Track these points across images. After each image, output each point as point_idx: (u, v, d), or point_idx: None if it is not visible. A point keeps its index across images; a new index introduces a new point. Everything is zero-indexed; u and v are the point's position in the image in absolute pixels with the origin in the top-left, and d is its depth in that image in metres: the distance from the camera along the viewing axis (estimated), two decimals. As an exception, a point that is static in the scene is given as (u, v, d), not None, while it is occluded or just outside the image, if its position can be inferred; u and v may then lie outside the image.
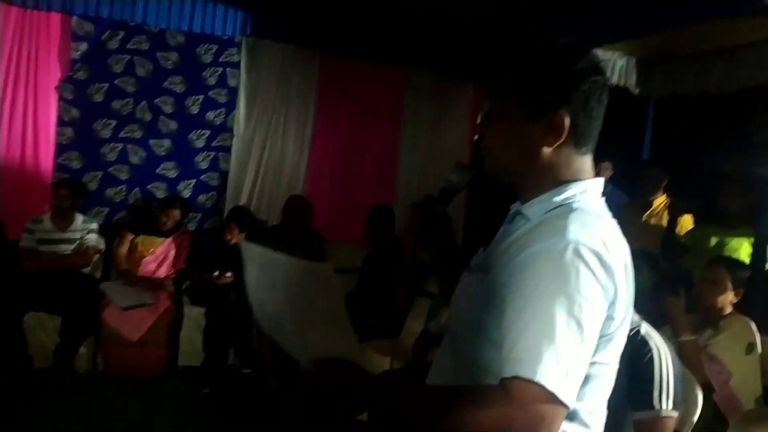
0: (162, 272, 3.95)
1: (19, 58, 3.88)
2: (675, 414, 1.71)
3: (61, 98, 4.04)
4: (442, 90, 4.85)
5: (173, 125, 4.31)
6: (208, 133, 4.39)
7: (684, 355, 2.18)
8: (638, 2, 3.21)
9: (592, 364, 0.92)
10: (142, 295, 3.66)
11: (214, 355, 3.68)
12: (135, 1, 4.00)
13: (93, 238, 3.86)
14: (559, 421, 0.84)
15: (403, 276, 2.49)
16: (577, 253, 0.86)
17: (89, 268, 3.89)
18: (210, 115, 4.37)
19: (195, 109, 4.34)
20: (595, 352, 0.91)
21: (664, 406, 1.68)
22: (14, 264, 3.62)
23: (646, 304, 2.28)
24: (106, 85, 4.12)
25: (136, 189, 4.29)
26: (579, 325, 0.84)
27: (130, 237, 3.99)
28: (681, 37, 3.52)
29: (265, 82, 4.43)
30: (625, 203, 4.11)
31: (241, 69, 4.36)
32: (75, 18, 3.97)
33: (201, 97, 4.33)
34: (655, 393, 1.69)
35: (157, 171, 4.32)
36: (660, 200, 3.66)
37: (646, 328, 1.79)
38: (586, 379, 0.92)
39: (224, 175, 4.45)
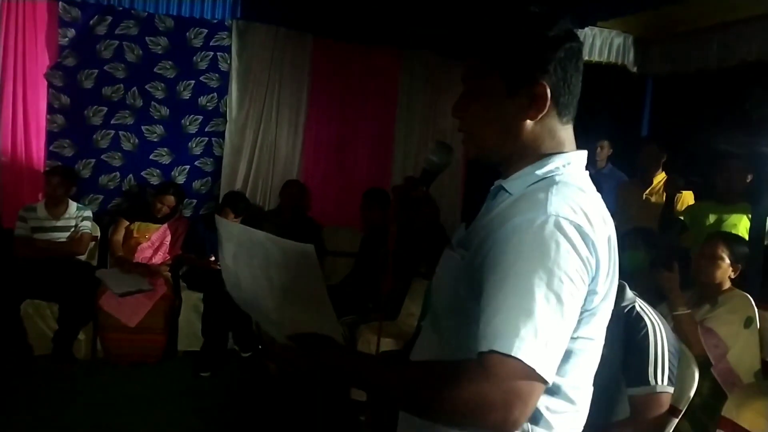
0: (158, 258, 3.94)
1: (6, 45, 3.84)
2: (670, 390, 1.70)
3: (50, 86, 4.00)
4: (437, 71, 4.80)
5: (165, 111, 4.27)
6: (200, 118, 4.35)
7: (680, 328, 2.18)
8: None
9: (575, 339, 0.91)
10: (139, 282, 3.66)
11: (212, 340, 3.69)
12: (122, -16, 3.95)
13: (87, 226, 3.85)
14: (536, 396, 0.82)
15: (387, 261, 2.47)
16: (557, 226, 0.84)
17: (85, 256, 3.89)
18: (202, 100, 4.33)
19: (187, 95, 4.29)
20: (578, 327, 0.90)
21: (659, 382, 1.68)
22: (9, 252, 3.61)
23: (644, 281, 2.29)
24: (95, 72, 4.08)
25: (130, 176, 4.27)
26: (558, 299, 0.82)
27: (126, 224, 3.98)
28: (678, 13, 3.47)
29: (257, 66, 4.38)
30: (624, 181, 4.10)
31: (232, 53, 4.31)
32: (62, 4, 3.92)
33: (192, 82, 4.29)
34: (650, 369, 1.69)
35: (150, 157, 4.29)
36: (659, 178, 3.64)
37: (640, 304, 1.78)
38: (570, 354, 0.91)
39: (218, 161, 4.42)
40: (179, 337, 3.78)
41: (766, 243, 2.86)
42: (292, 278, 1.00)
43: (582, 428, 1.00)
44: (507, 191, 0.96)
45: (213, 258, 3.84)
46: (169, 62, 4.22)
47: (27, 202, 3.80)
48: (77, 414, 2.94)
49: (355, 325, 3.41)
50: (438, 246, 1.19)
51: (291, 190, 4.30)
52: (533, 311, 0.80)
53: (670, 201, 3.40)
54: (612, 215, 0.98)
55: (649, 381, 1.68)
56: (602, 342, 0.99)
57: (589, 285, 0.88)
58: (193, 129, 4.35)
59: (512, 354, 0.79)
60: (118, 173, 4.24)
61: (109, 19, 4.04)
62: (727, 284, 2.38)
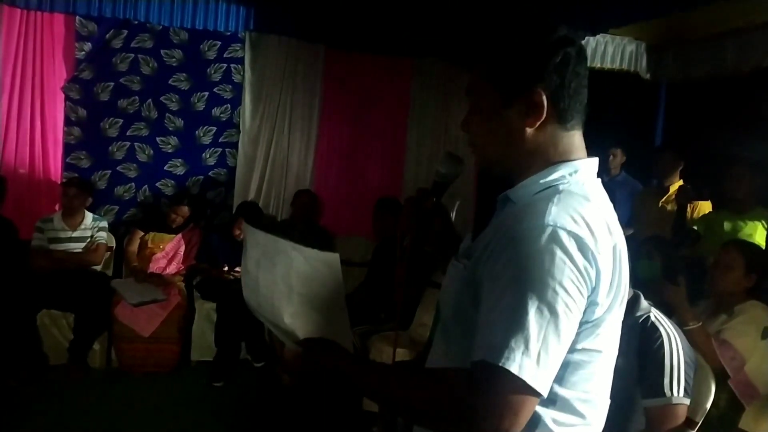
0: (172, 268, 3.98)
1: (24, 59, 3.91)
2: (687, 401, 1.68)
3: (67, 98, 4.07)
4: (448, 79, 4.80)
5: (179, 122, 4.32)
6: (214, 129, 4.40)
7: (693, 342, 2.14)
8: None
9: (580, 351, 0.89)
10: (153, 292, 3.69)
11: (226, 350, 3.70)
12: (137, -1, 4.01)
13: (103, 236, 3.89)
14: (527, 408, 0.81)
15: (400, 272, 2.46)
16: (553, 237, 0.83)
17: (100, 266, 3.93)
18: (216, 111, 4.38)
19: (201, 106, 4.34)
20: (580, 338, 0.89)
21: (675, 393, 1.66)
22: (26, 263, 3.66)
23: (659, 291, 2.25)
24: (111, 84, 4.14)
25: (145, 186, 4.32)
26: (552, 310, 0.81)
27: (140, 234, 4.02)
28: (691, 20, 3.45)
29: (270, 77, 4.42)
30: (640, 189, 4.06)
31: (245, 64, 4.36)
32: (78, 18, 3.99)
33: (206, 93, 4.34)
34: (666, 380, 1.66)
35: (165, 168, 4.34)
36: (677, 185, 3.61)
37: (656, 314, 1.76)
38: (575, 366, 0.90)
39: (232, 171, 4.46)
40: (193, 347, 3.80)
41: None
42: (313, 286, 1.03)
43: None
44: (512, 200, 0.96)
45: (226, 268, 3.86)
46: (184, 74, 4.28)
47: (44, 214, 3.86)
48: (92, 423, 2.96)
49: (367, 335, 3.40)
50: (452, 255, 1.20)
51: (302, 199, 4.32)
52: (525, 322, 0.80)
53: (682, 210, 3.35)
54: (628, 224, 0.97)
55: (664, 392, 1.66)
56: (614, 355, 0.97)
57: (588, 296, 0.87)
58: (207, 140, 4.40)
59: (500, 365, 0.79)
60: (133, 184, 4.29)
61: (125, 32, 4.11)
62: (743, 294, 2.34)
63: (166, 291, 3.74)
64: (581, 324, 0.88)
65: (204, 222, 4.37)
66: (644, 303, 1.79)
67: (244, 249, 1.12)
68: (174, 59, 4.26)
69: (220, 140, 4.43)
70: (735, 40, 3.59)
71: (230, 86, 4.38)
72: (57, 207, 3.93)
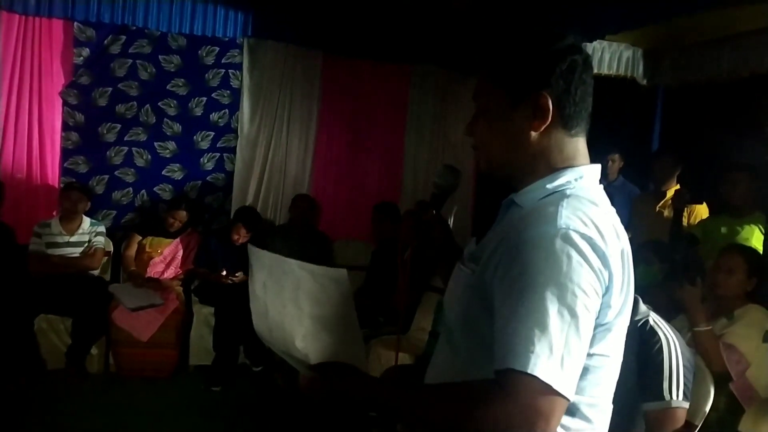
0: (170, 273, 3.97)
1: (22, 64, 3.91)
2: (686, 405, 1.68)
3: (65, 103, 4.06)
4: (446, 86, 4.82)
5: (177, 127, 4.32)
6: (212, 134, 4.40)
7: (700, 345, 2.14)
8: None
9: (591, 356, 0.89)
10: (151, 296, 3.68)
11: (224, 354, 3.69)
12: (136, 5, 4.02)
13: (101, 241, 3.89)
14: (559, 413, 0.81)
15: (398, 278, 2.47)
16: (568, 240, 0.84)
17: (98, 271, 3.92)
18: (214, 116, 4.38)
19: (199, 111, 4.35)
20: (593, 343, 0.89)
21: (674, 397, 1.66)
22: (24, 268, 3.65)
23: (658, 295, 2.26)
24: (109, 90, 4.14)
25: (143, 191, 4.31)
26: (572, 313, 0.82)
27: (138, 239, 4.02)
28: (688, 25, 3.47)
29: (268, 83, 4.43)
30: (637, 194, 4.08)
31: (243, 70, 4.36)
32: (77, 24, 3.99)
33: (204, 99, 4.34)
34: (665, 383, 1.67)
35: (162, 173, 4.34)
36: (673, 190, 3.62)
37: (654, 318, 1.77)
38: (585, 371, 0.90)
39: (230, 176, 4.46)
40: (191, 352, 3.79)
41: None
42: (323, 306, 1.01)
43: None
44: (518, 205, 0.97)
45: (224, 272, 3.86)
46: (182, 80, 4.28)
47: (41, 218, 3.85)
48: (90, 428, 2.95)
49: (365, 340, 3.40)
50: (453, 264, 1.20)
51: (301, 205, 4.32)
52: (547, 326, 0.80)
53: (678, 215, 3.36)
54: (625, 228, 0.98)
55: (664, 396, 1.66)
56: (620, 359, 0.98)
57: (602, 297, 0.87)
58: (205, 145, 4.40)
59: (528, 371, 0.79)
60: (131, 189, 4.28)
61: (123, 38, 4.11)
62: (743, 297, 2.35)
63: (164, 295, 3.74)
64: (595, 327, 0.88)
65: (202, 227, 4.37)
66: (643, 307, 1.80)
67: (250, 272, 1.10)
68: (172, 65, 4.26)
69: (218, 145, 4.43)
70: (731, 45, 3.61)
71: (228, 92, 4.39)
72: (55, 212, 3.92)
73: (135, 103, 4.20)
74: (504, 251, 0.88)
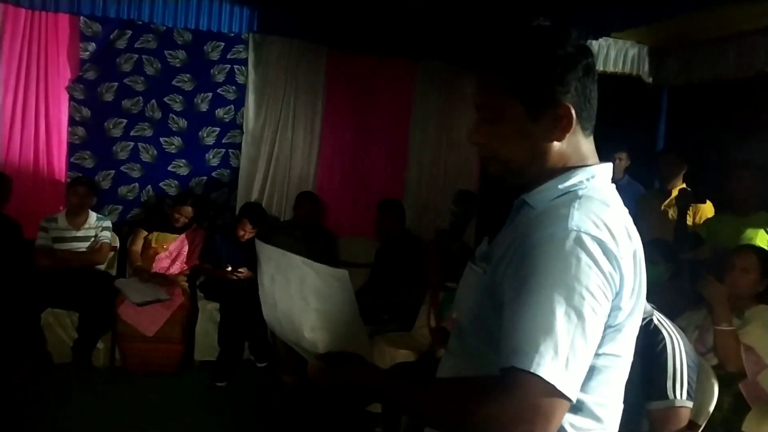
0: (176, 268, 3.99)
1: (29, 59, 3.91)
2: (689, 404, 1.69)
3: (71, 98, 4.08)
4: (450, 81, 4.81)
5: (183, 123, 4.33)
6: (218, 130, 4.41)
7: (721, 344, 2.14)
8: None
9: (600, 355, 0.90)
10: (157, 291, 3.70)
11: (229, 350, 3.71)
12: (142, 0, 4.02)
13: (107, 236, 3.91)
14: (560, 414, 0.81)
15: (420, 276, 2.47)
16: (579, 242, 0.84)
17: (104, 265, 3.94)
18: (219, 112, 4.39)
19: (204, 107, 4.35)
20: (603, 343, 0.89)
21: (678, 396, 1.67)
22: (30, 262, 3.68)
23: (662, 294, 2.26)
24: (115, 85, 4.15)
25: (149, 187, 4.32)
26: (580, 315, 0.82)
27: (144, 234, 4.03)
28: (694, 23, 3.46)
29: (273, 78, 4.43)
30: (642, 193, 4.07)
31: (248, 65, 4.37)
32: (83, 18, 3.99)
33: (210, 94, 4.35)
34: (669, 383, 1.67)
35: (168, 168, 4.35)
36: (678, 189, 3.62)
37: (658, 317, 1.77)
38: (595, 371, 0.90)
39: (235, 172, 4.46)
40: (196, 347, 3.81)
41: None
42: (327, 300, 1.03)
43: None
44: (530, 205, 0.96)
45: (230, 268, 3.88)
46: (187, 75, 4.29)
47: (48, 213, 3.87)
48: (95, 421, 2.97)
49: (370, 336, 3.42)
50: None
51: (303, 202, 4.33)
52: (553, 327, 0.80)
53: (683, 214, 3.36)
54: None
55: (667, 395, 1.67)
56: (630, 359, 0.98)
57: (612, 301, 0.87)
58: (210, 141, 4.41)
59: (531, 371, 0.79)
60: (136, 184, 4.30)
61: (129, 33, 4.12)
62: (753, 298, 2.34)
63: (170, 291, 3.75)
64: (605, 329, 0.88)
65: (207, 222, 4.39)
66: (647, 306, 1.80)
67: (258, 265, 1.12)
68: (178, 60, 4.27)
69: (223, 141, 4.44)
70: (737, 43, 3.60)
71: (233, 87, 4.39)
72: (61, 207, 3.94)
73: (141, 98, 4.21)
74: (515, 252, 0.88)
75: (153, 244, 4.00)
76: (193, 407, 3.26)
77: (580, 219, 0.86)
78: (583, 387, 0.88)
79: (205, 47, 4.29)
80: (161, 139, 4.30)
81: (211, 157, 4.43)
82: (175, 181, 4.37)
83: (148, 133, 4.27)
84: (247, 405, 3.38)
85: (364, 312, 1.05)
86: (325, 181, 4.68)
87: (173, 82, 4.27)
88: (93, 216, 3.90)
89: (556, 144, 0.94)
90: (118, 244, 4.09)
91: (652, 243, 2.60)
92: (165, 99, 4.27)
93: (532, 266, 0.84)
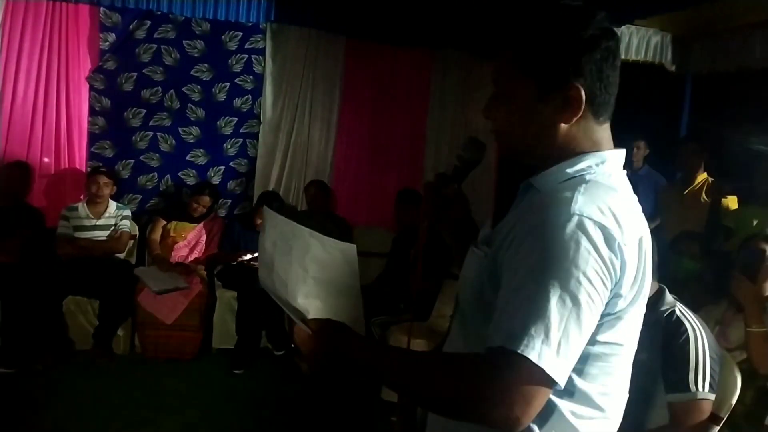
0: (194, 257, 4.03)
1: (50, 50, 3.97)
2: (712, 396, 1.66)
3: (92, 88, 4.12)
4: (468, 71, 4.77)
5: (201, 113, 4.36)
6: (235, 120, 4.43)
7: (753, 346, 2.08)
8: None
9: (600, 343, 0.88)
10: (176, 280, 3.74)
11: (246, 338, 3.75)
12: (160, -10, 4.04)
13: (127, 225, 3.95)
14: (541, 399, 0.80)
15: (417, 259, 2.42)
16: (580, 226, 0.82)
17: (124, 254, 4.00)
18: (237, 102, 4.40)
19: (222, 97, 4.37)
20: (602, 330, 0.88)
21: (700, 388, 1.64)
22: (52, 251, 3.73)
23: (686, 287, 2.21)
24: (135, 75, 4.19)
25: (167, 176, 4.36)
26: (575, 300, 0.80)
27: (163, 223, 4.08)
28: (718, 11, 3.38)
29: (291, 68, 4.43)
30: (663, 185, 4.01)
31: (266, 55, 4.37)
32: (103, 9, 4.03)
33: (227, 84, 4.37)
34: (691, 375, 1.65)
35: (187, 158, 4.38)
36: (701, 178, 3.55)
37: (681, 309, 1.74)
38: (596, 358, 0.89)
39: (252, 162, 4.49)
40: (214, 335, 3.85)
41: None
42: (328, 272, 1.03)
43: None
44: (536, 188, 0.95)
45: (248, 257, 3.90)
46: (206, 65, 4.31)
47: (69, 202, 3.93)
48: (115, 407, 3.03)
49: (385, 326, 3.42)
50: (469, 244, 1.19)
51: (312, 189, 4.34)
52: (546, 310, 0.79)
53: (716, 206, 3.29)
54: (651, 218, 0.95)
55: (689, 387, 1.64)
56: (634, 348, 0.96)
57: (612, 288, 0.85)
58: (228, 130, 4.43)
59: (519, 351, 0.78)
60: (155, 174, 4.34)
61: (148, 23, 4.14)
62: None
63: (189, 279, 3.79)
64: (603, 316, 0.86)
65: (225, 212, 4.41)
66: (669, 297, 1.78)
67: (262, 229, 1.12)
68: (196, 50, 4.28)
69: (241, 131, 4.46)
70: (763, 31, 3.51)
71: (251, 77, 4.40)
72: (82, 196, 4.00)
73: (160, 88, 4.25)
74: (517, 234, 0.87)
75: (171, 233, 4.04)
76: (210, 394, 3.30)
77: (584, 203, 0.84)
78: (584, 375, 0.87)
79: (223, 37, 4.31)
80: (180, 128, 4.34)
81: (229, 146, 4.45)
82: (194, 171, 4.41)
83: (167, 122, 4.30)
84: (264, 392, 3.41)
85: (380, 302, 1.04)
86: (342, 171, 4.68)
87: (191, 72, 4.29)
88: (113, 205, 3.94)
89: (563, 126, 0.92)
90: (137, 233, 4.14)
91: (683, 236, 2.53)
92: (183, 89, 4.29)
93: (531, 249, 0.83)
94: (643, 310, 0.95)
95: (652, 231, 0.99)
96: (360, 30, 4.48)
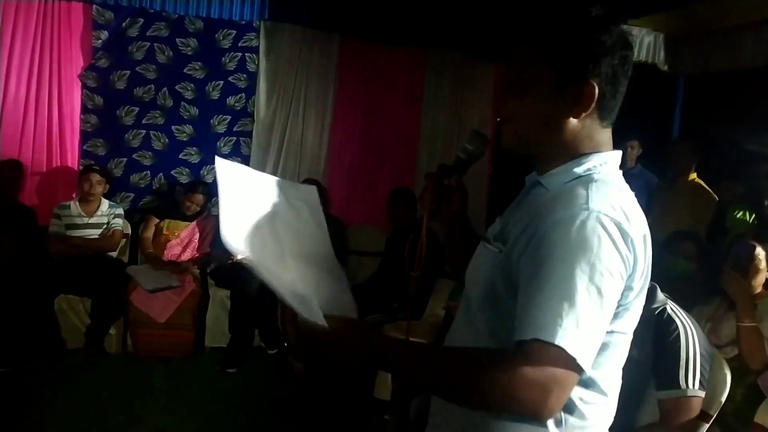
0: (187, 256, 4.01)
1: (42, 47, 3.94)
2: (702, 394, 1.67)
3: (84, 86, 4.10)
4: (462, 70, 4.78)
5: (194, 111, 4.34)
6: (229, 118, 4.41)
7: (745, 340, 2.10)
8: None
9: (610, 332, 0.93)
10: (168, 278, 3.73)
11: (239, 337, 3.74)
12: (154, -12, 4.03)
13: (119, 223, 3.94)
14: (572, 384, 0.85)
15: (416, 256, 2.37)
16: (599, 222, 0.86)
17: (116, 252, 3.98)
18: (230, 100, 4.39)
19: (215, 95, 4.36)
20: (613, 321, 0.92)
21: (690, 386, 1.65)
22: (44, 249, 3.71)
23: (677, 286, 2.21)
24: (127, 73, 4.16)
25: (160, 174, 4.35)
26: (599, 292, 0.84)
27: (156, 221, 4.06)
28: (711, 11, 3.41)
29: (284, 67, 4.42)
30: (654, 183, 4.03)
31: (259, 54, 4.36)
32: (95, 7, 4.01)
33: (221, 82, 4.35)
34: (681, 372, 1.66)
35: (180, 156, 4.37)
36: (691, 178, 3.57)
37: (672, 307, 1.76)
38: (605, 347, 0.92)
39: (246, 160, 4.47)
40: (207, 334, 3.84)
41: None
42: (301, 239, 1.04)
43: (612, 419, 1.02)
44: (544, 187, 0.99)
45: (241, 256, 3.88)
46: (199, 63, 4.29)
47: (61, 200, 3.91)
48: (108, 406, 3.01)
49: (380, 325, 3.42)
50: (462, 240, 1.21)
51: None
52: (575, 302, 0.83)
53: (724, 208, 3.30)
54: (645, 218, 0.98)
55: (680, 384, 1.66)
56: (631, 335, 1.01)
57: (626, 281, 0.90)
58: (221, 129, 4.42)
59: (555, 342, 0.81)
60: (148, 172, 4.32)
61: (141, 21, 4.12)
62: (763, 290, 2.30)
63: (181, 278, 3.78)
64: (617, 307, 0.91)
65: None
66: (660, 295, 1.79)
67: (218, 186, 1.09)
68: (189, 48, 4.27)
69: (234, 129, 4.44)
70: (754, 32, 3.53)
71: (245, 75, 4.39)
72: (74, 194, 3.98)
73: (152, 86, 4.23)
74: (533, 232, 0.90)
75: (164, 232, 4.02)
76: (203, 393, 3.29)
77: (599, 201, 0.89)
78: (595, 363, 0.89)
79: (216, 35, 4.29)
80: (173, 127, 4.32)
81: (222, 145, 4.44)
82: (187, 169, 4.39)
83: (160, 121, 4.28)
84: (258, 391, 3.40)
85: (375, 301, 1.04)
86: (335, 170, 4.68)
87: (185, 70, 4.28)
88: (105, 203, 3.93)
89: (572, 121, 0.97)
90: (129, 232, 4.12)
91: (677, 235, 2.53)
92: (176, 87, 4.28)
93: (552, 245, 0.86)
94: (643, 302, 0.99)
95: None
96: (354, 29, 4.47)
